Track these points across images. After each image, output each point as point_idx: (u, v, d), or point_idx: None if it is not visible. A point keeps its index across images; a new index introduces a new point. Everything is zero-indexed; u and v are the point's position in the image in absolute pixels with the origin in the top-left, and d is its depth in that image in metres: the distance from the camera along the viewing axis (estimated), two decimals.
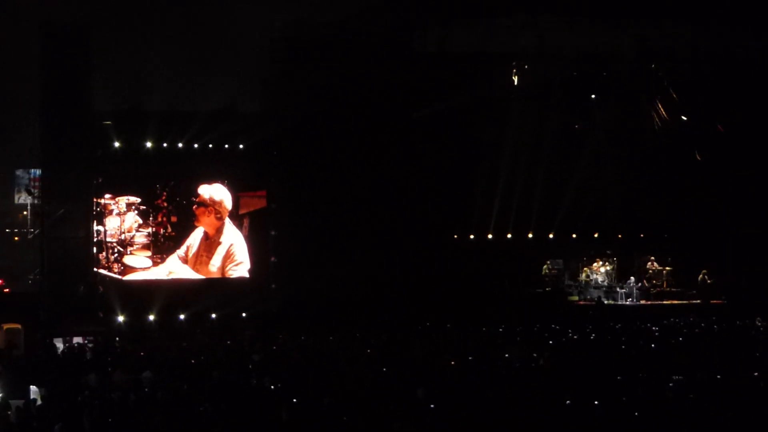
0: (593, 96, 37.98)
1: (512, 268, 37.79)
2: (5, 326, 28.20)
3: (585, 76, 37.71)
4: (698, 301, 37.11)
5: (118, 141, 34.33)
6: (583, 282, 38.35)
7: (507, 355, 23.23)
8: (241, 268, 35.39)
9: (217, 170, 35.21)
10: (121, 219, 34.53)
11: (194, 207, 34.94)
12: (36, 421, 16.85)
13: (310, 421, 16.26)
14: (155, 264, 34.79)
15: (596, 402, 17.03)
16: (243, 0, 35.01)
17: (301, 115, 34.30)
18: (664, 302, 37.30)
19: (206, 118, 34.50)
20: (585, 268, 38.64)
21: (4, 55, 36.72)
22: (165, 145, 34.80)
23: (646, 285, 38.23)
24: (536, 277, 38.57)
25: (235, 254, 35.29)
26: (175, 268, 34.88)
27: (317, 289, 33.39)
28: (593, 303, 36.81)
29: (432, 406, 16.78)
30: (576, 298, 37.66)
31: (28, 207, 40.33)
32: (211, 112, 34.78)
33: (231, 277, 35.29)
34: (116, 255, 34.55)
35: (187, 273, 34.98)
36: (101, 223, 34.32)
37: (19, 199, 44.86)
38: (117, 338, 29.83)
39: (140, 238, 34.73)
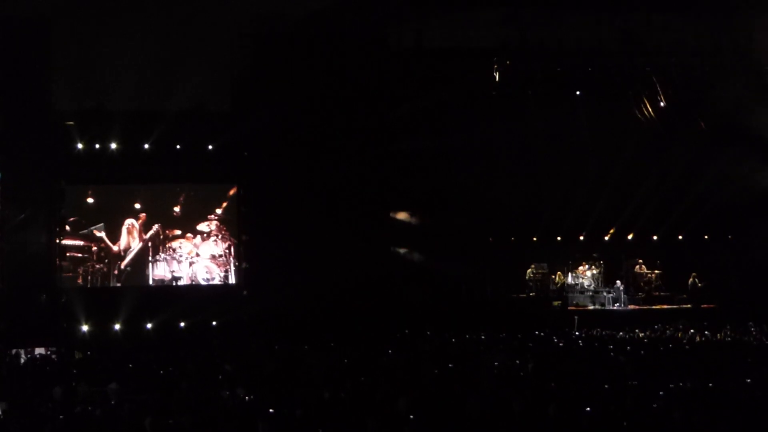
0: (578, 92, 36.87)
1: (495, 273, 36.68)
2: None
3: (569, 72, 36.49)
4: (689, 305, 36.04)
5: (81, 142, 33.39)
6: (558, 285, 37.38)
7: (495, 363, 22.32)
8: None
9: (186, 172, 34.37)
10: None
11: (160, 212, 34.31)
12: None
13: None
14: None
15: (584, 411, 15.97)
16: None
17: (272, 115, 33.14)
18: (654, 307, 36.31)
19: (173, 117, 33.49)
20: (558, 273, 37.63)
21: None
22: (131, 146, 33.84)
23: (634, 289, 37.25)
24: (520, 281, 37.53)
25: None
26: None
27: (291, 295, 32.16)
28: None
29: (412, 417, 15.80)
30: (559, 303, 36.57)
31: None
32: (178, 112, 33.70)
33: (201, 283, 34.33)
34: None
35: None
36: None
37: None
38: (81, 348, 28.76)
39: None
